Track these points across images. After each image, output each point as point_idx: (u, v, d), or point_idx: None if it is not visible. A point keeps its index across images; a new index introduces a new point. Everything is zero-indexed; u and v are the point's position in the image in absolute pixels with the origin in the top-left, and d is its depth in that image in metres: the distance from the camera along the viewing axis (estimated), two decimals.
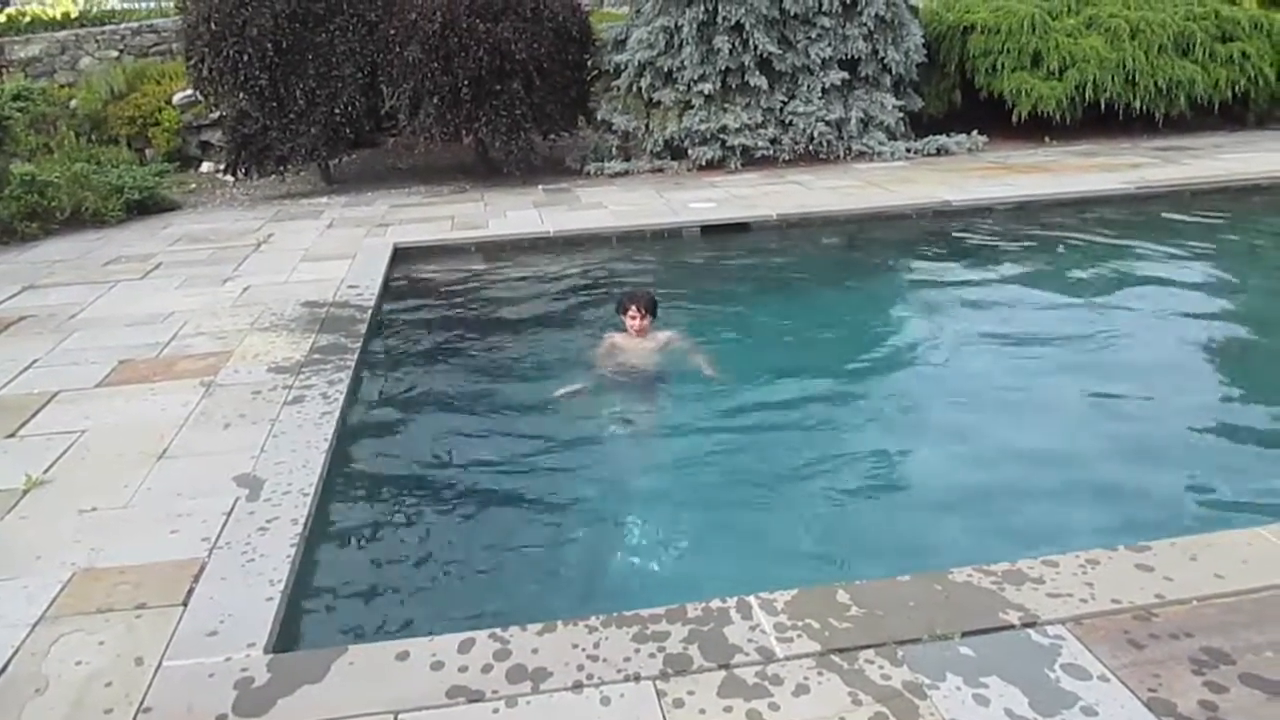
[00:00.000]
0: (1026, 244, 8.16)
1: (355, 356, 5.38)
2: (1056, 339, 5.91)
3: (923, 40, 12.03)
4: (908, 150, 11.70)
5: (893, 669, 2.49)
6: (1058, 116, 11.89)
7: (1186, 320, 6.19)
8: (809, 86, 11.47)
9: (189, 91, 12.28)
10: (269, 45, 10.42)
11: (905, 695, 2.39)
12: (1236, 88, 12.00)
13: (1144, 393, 5.05)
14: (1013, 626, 2.64)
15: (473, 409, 5.25)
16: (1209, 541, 3.05)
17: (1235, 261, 7.50)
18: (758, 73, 11.28)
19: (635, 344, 5.61)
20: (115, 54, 13.98)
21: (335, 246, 8.46)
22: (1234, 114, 12.52)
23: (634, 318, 5.52)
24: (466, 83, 10.41)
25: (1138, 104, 11.83)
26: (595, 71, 12.12)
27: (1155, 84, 11.75)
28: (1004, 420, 4.85)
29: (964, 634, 2.61)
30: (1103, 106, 11.89)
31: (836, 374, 5.60)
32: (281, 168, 11.45)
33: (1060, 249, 8.01)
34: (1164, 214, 8.69)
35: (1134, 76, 11.74)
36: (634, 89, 11.70)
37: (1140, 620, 2.64)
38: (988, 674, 2.45)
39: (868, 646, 2.58)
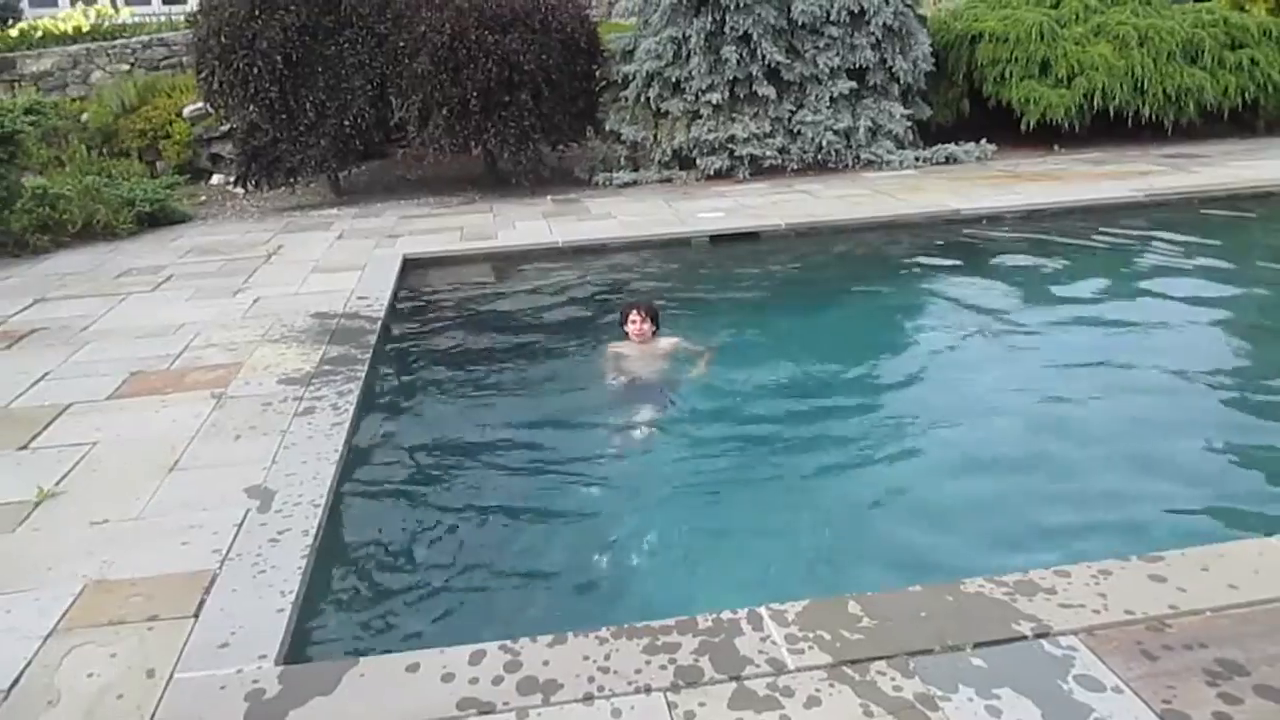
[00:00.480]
0: (1036, 252, 8.14)
1: (365, 367, 5.39)
2: (1066, 347, 5.90)
3: (931, 49, 12.03)
4: (916, 159, 11.70)
5: (904, 680, 2.48)
6: (1066, 124, 11.87)
7: (1198, 328, 6.18)
8: (817, 96, 11.48)
9: (199, 104, 12.35)
10: (279, 58, 10.48)
11: (917, 707, 2.38)
12: (1246, 95, 11.97)
13: (1156, 401, 5.04)
14: (1025, 637, 2.63)
15: (482, 418, 5.25)
16: (1221, 552, 3.04)
17: (1248, 269, 7.47)
18: (766, 82, 11.30)
19: (638, 350, 5.66)
20: (126, 68, 14.07)
21: (345, 258, 8.48)
22: (1244, 121, 12.48)
23: (634, 322, 5.61)
24: (475, 94, 10.45)
25: (1147, 111, 11.81)
26: (603, 82, 12.14)
27: (1164, 91, 11.73)
28: (1015, 428, 4.84)
29: (976, 645, 2.60)
30: (1111, 114, 11.87)
31: (846, 382, 5.60)
32: (291, 179, 11.49)
33: (1070, 257, 7.99)
34: (1174, 221, 8.65)
35: (1143, 84, 11.71)
36: (642, 99, 11.73)
37: (1153, 631, 2.63)
38: (1000, 685, 2.44)
39: (879, 658, 2.57)
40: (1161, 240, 8.15)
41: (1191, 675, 2.44)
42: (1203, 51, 11.89)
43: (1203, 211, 9.02)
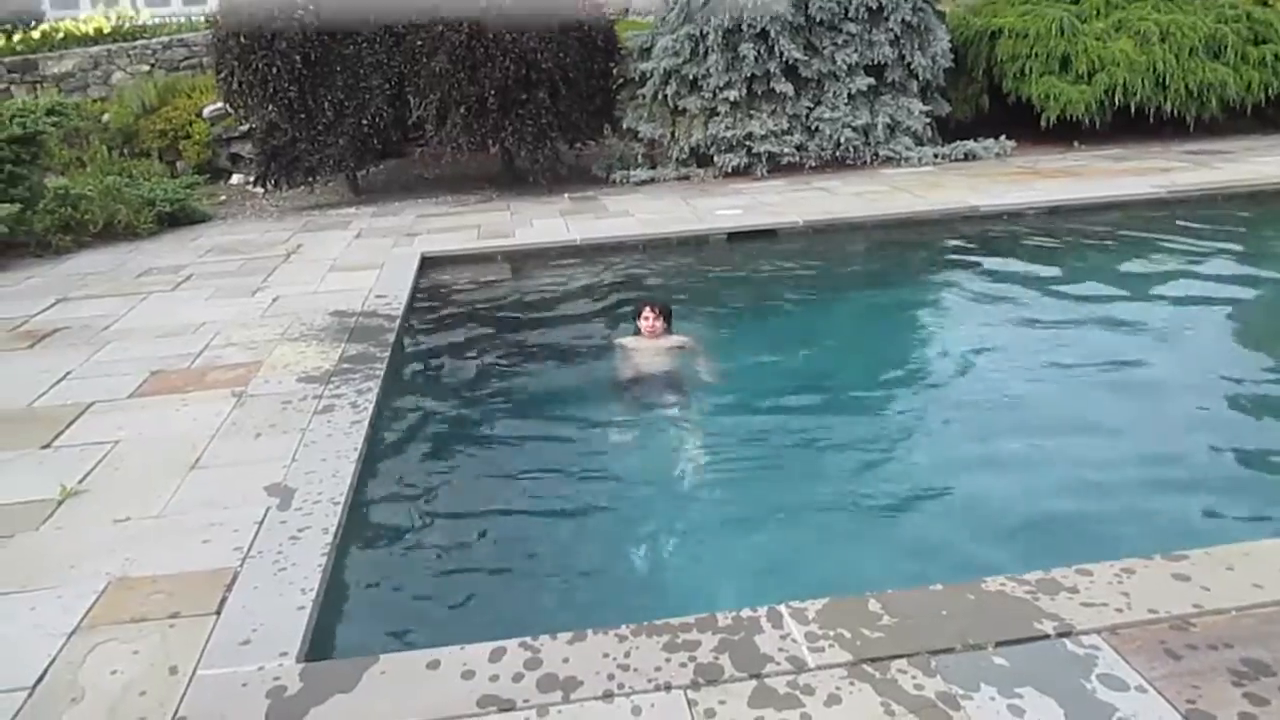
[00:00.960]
0: (1055, 249, 8.10)
1: (384, 365, 5.41)
2: (1088, 344, 5.86)
3: (950, 45, 11.95)
4: (935, 155, 11.63)
5: (926, 679, 2.47)
6: (1087, 121, 11.78)
7: (1221, 326, 6.13)
8: (835, 92, 11.43)
9: (219, 104, 12.41)
10: (297, 58, 10.52)
11: (939, 706, 2.37)
12: (1269, 90, 11.84)
13: (1178, 398, 5.00)
14: (1047, 636, 2.61)
15: (499, 416, 5.27)
16: (1246, 550, 3.01)
17: (1272, 265, 7.40)
18: (783, 79, 11.26)
19: (650, 345, 5.70)
20: (147, 68, 14.15)
21: (363, 256, 8.51)
22: (1267, 117, 12.34)
23: (647, 318, 5.69)
24: (493, 92, 10.46)
25: (1168, 107, 11.70)
26: (620, 80, 12.13)
27: (1186, 87, 11.61)
28: (1035, 426, 4.80)
29: (998, 644, 2.59)
30: (1132, 110, 11.77)
31: (862, 379, 5.59)
32: (310, 179, 11.53)
33: (1091, 253, 7.95)
34: (1196, 218, 8.58)
35: (1164, 80, 11.60)
36: (659, 97, 11.71)
37: (1178, 630, 2.60)
38: (1022, 684, 2.43)
39: (900, 656, 2.56)
40: (1183, 237, 8.09)
41: (1216, 675, 2.42)
42: (1225, 47, 11.76)
43: (1225, 208, 8.94)
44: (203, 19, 14.01)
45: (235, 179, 13.14)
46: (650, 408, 5.33)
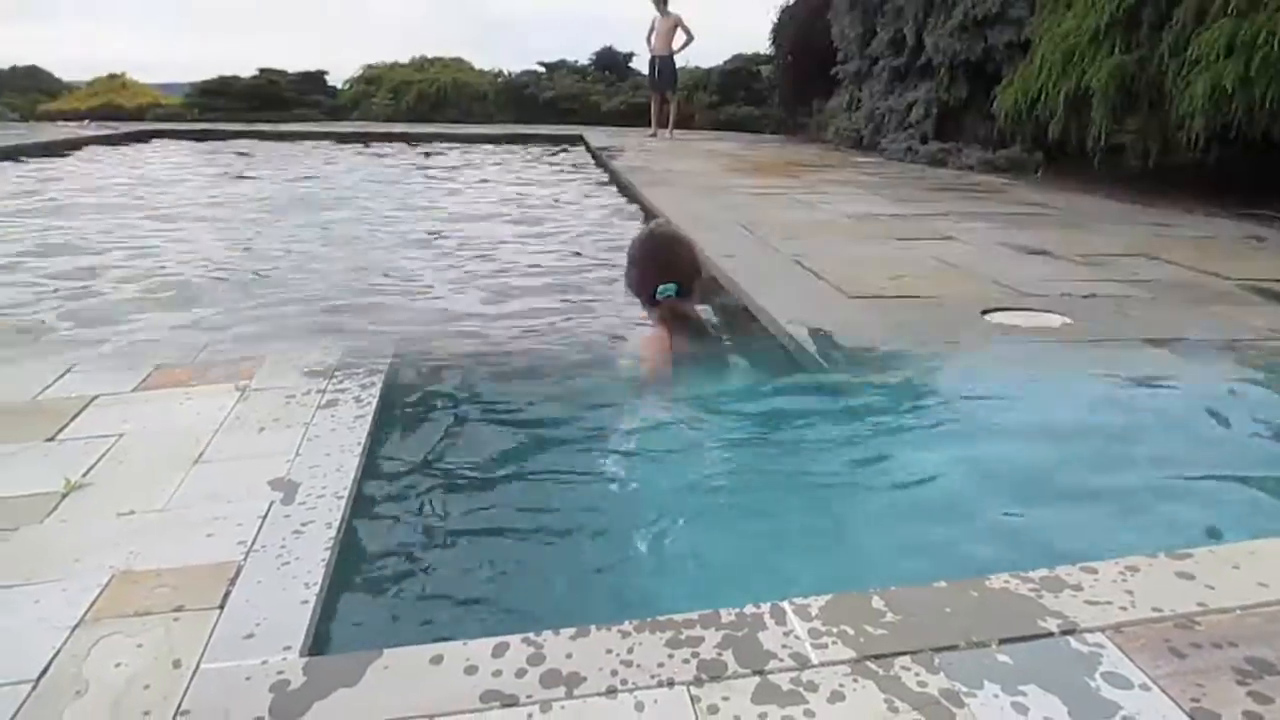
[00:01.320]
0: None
1: (388, 360, 5.41)
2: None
3: None
4: None
5: (929, 676, 2.46)
6: None
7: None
8: None
9: None
10: None
11: (942, 703, 2.36)
12: None
13: (1182, 392, 4.99)
14: (1051, 634, 2.61)
15: (504, 411, 5.26)
16: (1251, 549, 3.00)
17: None
18: None
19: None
20: None
21: None
22: None
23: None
24: None
25: None
26: None
27: None
28: (1036, 418, 4.79)
29: (1001, 641, 2.58)
30: None
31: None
32: None
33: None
34: None
35: None
36: None
37: (1182, 629, 2.60)
38: (1026, 682, 2.42)
39: (903, 653, 2.55)
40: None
41: (1221, 674, 2.42)
42: None
43: None
44: None
45: None
46: (656, 398, 5.32)
